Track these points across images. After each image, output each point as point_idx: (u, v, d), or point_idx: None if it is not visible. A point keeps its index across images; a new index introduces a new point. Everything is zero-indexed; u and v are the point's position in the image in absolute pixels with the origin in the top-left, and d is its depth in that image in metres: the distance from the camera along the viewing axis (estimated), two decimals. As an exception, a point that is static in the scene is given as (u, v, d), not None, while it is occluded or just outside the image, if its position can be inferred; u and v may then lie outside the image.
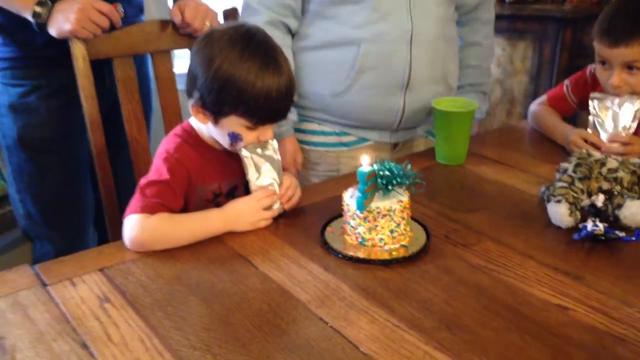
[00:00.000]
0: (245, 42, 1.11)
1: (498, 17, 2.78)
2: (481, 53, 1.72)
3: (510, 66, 2.82)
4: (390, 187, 1.08)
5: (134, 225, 1.09)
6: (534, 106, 1.69)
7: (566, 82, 1.64)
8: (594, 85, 1.56)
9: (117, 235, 1.47)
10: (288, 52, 1.50)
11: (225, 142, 1.18)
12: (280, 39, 1.46)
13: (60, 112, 1.58)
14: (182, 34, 1.54)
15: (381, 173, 1.08)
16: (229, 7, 1.61)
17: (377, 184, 1.09)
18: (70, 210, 1.68)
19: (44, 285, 1.00)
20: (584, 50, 2.60)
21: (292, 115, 1.55)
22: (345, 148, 1.61)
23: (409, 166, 1.11)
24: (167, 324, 0.90)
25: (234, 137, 1.15)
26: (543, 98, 1.68)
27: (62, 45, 1.41)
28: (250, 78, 1.08)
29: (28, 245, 1.74)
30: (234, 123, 1.13)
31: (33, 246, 1.71)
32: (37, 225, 1.66)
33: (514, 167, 1.46)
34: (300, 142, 1.62)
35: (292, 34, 1.56)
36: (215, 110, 1.13)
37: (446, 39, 1.57)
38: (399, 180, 1.08)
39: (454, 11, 1.61)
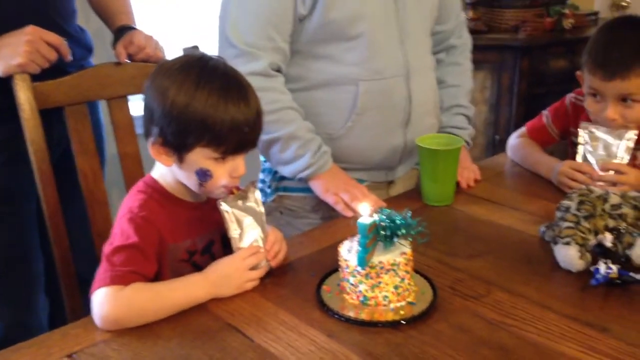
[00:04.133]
0: (200, 66, 1.01)
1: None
2: (461, 73, 1.62)
3: (469, 97, 2.81)
4: (394, 239, 0.98)
5: (104, 300, 0.94)
6: (513, 139, 1.63)
7: (545, 112, 1.59)
8: (575, 114, 1.52)
9: (76, 305, 1.32)
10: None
11: (193, 183, 1.05)
12: (279, 92, 1.36)
13: (1, 171, 1.40)
14: (136, 60, 1.43)
15: (383, 224, 0.98)
16: (189, 45, 1.48)
17: (379, 236, 0.99)
18: (17, 280, 1.48)
19: (2, 381, 0.85)
20: (542, 78, 2.60)
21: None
22: None
23: (409, 214, 1.02)
24: (156, 421, 0.77)
25: (203, 175, 1.03)
26: (522, 130, 1.63)
27: None
28: (212, 101, 0.98)
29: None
30: (200, 157, 1.01)
31: None
32: None
33: (504, 205, 1.38)
34: (292, 189, 1.47)
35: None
36: (178, 143, 1.00)
37: (433, 70, 1.53)
38: (403, 231, 0.98)
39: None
